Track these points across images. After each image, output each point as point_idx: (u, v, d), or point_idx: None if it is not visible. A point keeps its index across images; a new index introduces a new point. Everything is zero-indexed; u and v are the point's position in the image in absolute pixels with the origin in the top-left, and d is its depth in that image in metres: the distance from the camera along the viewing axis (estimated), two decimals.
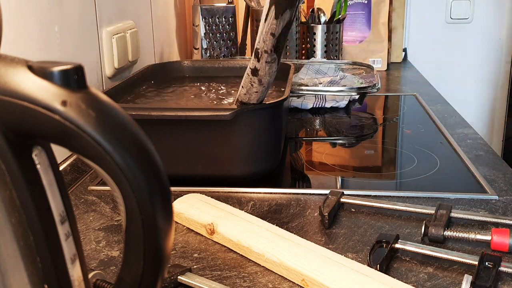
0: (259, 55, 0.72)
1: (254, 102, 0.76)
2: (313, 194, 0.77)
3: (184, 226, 0.68)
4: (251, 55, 0.74)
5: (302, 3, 1.61)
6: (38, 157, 0.30)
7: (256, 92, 0.75)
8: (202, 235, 0.65)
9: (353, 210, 0.71)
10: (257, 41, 0.72)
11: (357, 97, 1.30)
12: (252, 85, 0.75)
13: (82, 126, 0.28)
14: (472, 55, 2.01)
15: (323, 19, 1.57)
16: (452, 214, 0.66)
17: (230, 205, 0.70)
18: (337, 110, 1.24)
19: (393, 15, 1.76)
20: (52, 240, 0.31)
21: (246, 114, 0.76)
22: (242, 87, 0.76)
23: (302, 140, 1.05)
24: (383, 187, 0.81)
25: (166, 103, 0.98)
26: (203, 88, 1.09)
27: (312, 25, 1.55)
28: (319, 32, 1.54)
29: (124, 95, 0.96)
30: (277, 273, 0.57)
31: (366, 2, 1.68)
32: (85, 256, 0.36)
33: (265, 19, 0.70)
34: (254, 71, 0.74)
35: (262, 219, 0.65)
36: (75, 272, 0.32)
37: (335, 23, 1.56)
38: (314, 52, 1.56)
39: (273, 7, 0.69)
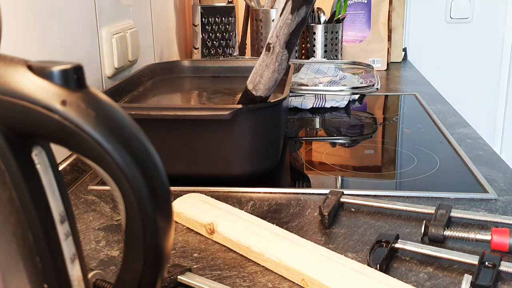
0: (271, 51, 0.72)
1: (260, 98, 0.76)
2: (313, 193, 0.77)
3: (184, 225, 0.68)
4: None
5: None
6: (38, 157, 0.30)
7: (263, 88, 0.75)
8: (202, 234, 0.65)
9: (353, 209, 0.71)
10: (269, 36, 0.72)
11: (357, 97, 1.30)
12: (259, 81, 0.74)
13: (81, 125, 0.28)
14: (472, 55, 2.01)
15: (323, 19, 1.57)
16: (452, 214, 0.66)
17: (230, 205, 0.70)
18: (337, 110, 1.24)
19: (393, 15, 1.76)
20: (52, 239, 0.31)
21: (246, 113, 0.76)
22: (249, 82, 0.76)
23: (302, 140, 1.05)
24: (383, 187, 0.81)
25: (166, 102, 0.98)
26: (202, 88, 1.09)
27: (312, 25, 1.55)
28: (319, 32, 1.54)
29: (124, 95, 0.96)
30: (277, 273, 0.57)
31: (366, 2, 1.68)
32: (84, 256, 0.36)
33: (281, 13, 0.70)
34: (264, 67, 0.73)
35: (262, 218, 0.65)
36: (74, 271, 0.32)
37: (335, 23, 1.56)
38: (314, 52, 1.56)
39: (290, 1, 0.69)
